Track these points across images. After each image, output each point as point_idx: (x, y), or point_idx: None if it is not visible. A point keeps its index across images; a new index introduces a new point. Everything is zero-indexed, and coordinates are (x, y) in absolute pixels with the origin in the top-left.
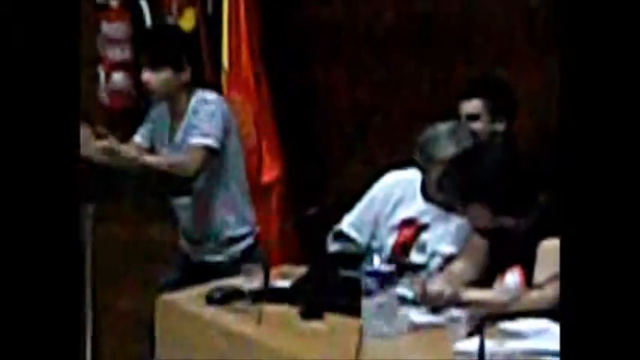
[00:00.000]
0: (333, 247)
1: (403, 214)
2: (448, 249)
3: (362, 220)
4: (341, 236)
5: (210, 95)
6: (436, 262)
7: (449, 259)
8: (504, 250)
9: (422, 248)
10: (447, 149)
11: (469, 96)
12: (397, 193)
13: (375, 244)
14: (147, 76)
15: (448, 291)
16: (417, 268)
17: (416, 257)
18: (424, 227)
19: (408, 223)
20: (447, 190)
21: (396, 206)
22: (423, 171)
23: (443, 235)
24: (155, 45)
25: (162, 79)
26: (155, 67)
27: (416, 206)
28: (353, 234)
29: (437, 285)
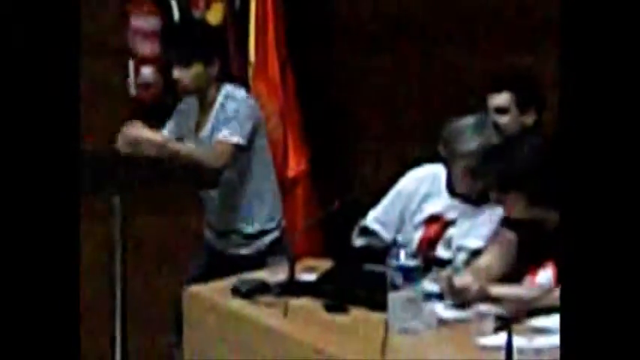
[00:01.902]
0: (358, 242)
1: (429, 209)
2: (474, 243)
3: (387, 216)
4: (366, 232)
5: (239, 92)
6: (462, 256)
7: (475, 254)
8: (537, 245)
9: (448, 244)
10: (471, 143)
11: (498, 89)
12: (423, 188)
13: (401, 240)
14: (178, 73)
15: (475, 286)
16: (444, 262)
17: (442, 253)
18: (451, 223)
19: (434, 219)
20: (484, 178)
21: (422, 202)
22: (448, 165)
23: (469, 231)
24: (184, 41)
25: (193, 75)
26: (185, 63)
27: (442, 202)
28: (378, 229)
29: (464, 280)
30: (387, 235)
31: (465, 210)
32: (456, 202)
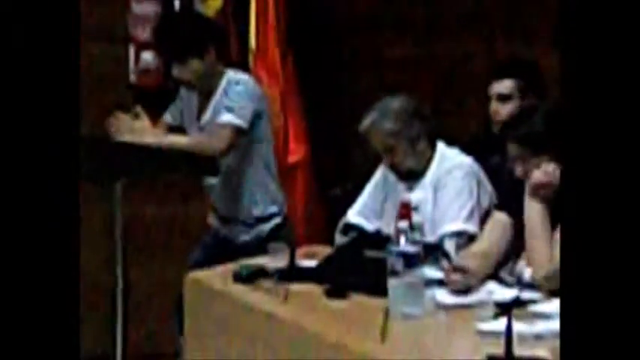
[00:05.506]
0: (341, 241)
1: (398, 197)
2: (454, 226)
3: (367, 207)
4: (349, 228)
5: (242, 76)
6: (451, 244)
7: (459, 235)
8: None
9: (419, 228)
10: (385, 124)
11: (500, 76)
12: (390, 177)
13: (385, 229)
14: (177, 71)
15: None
16: (433, 248)
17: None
18: (414, 208)
19: (403, 205)
20: (508, 148)
21: (392, 189)
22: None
23: (436, 215)
24: (177, 38)
25: (191, 70)
26: (181, 60)
27: (403, 188)
28: (361, 222)
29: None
30: (370, 225)
31: (423, 192)
32: (405, 185)
